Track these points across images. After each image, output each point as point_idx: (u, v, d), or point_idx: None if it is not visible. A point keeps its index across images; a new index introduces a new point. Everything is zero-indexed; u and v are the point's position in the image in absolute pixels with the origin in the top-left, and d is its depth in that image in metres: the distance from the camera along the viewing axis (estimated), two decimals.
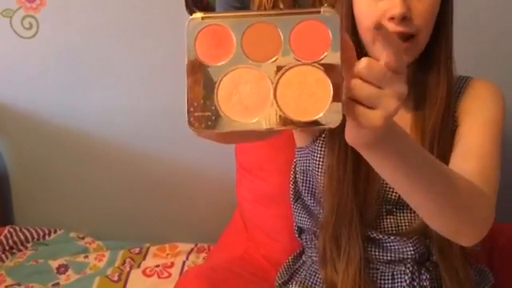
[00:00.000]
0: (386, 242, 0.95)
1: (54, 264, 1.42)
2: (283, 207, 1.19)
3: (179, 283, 1.13)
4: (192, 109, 0.54)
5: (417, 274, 0.95)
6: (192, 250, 1.50)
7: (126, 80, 1.60)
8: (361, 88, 0.53)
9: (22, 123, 1.64)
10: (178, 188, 1.68)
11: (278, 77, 0.54)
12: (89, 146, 1.65)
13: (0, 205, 1.68)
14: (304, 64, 0.54)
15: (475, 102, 0.93)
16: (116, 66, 1.59)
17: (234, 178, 1.38)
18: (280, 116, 0.53)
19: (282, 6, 1.26)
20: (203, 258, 1.46)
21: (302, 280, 1.06)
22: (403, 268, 0.96)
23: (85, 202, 1.70)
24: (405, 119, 0.92)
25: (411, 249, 0.94)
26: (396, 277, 0.96)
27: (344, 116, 0.53)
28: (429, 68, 0.91)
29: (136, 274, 1.36)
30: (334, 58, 0.54)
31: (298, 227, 1.09)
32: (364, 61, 0.53)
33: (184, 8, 1.32)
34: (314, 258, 1.04)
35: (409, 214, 0.96)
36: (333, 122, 0.53)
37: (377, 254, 0.96)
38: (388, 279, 0.97)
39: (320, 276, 1.01)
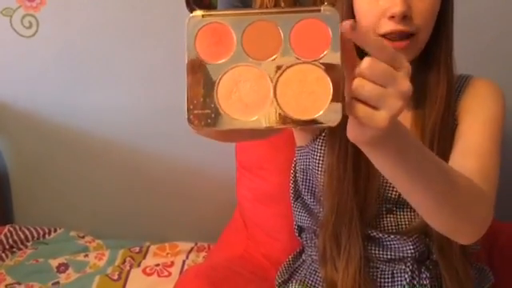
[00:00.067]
0: (386, 241, 0.95)
1: (54, 263, 1.42)
2: (283, 206, 1.19)
3: (179, 282, 1.13)
4: (192, 106, 0.54)
5: (417, 272, 0.95)
6: (192, 249, 1.50)
7: (126, 79, 1.60)
8: (364, 87, 0.53)
9: (22, 122, 1.64)
10: (178, 187, 1.68)
11: (277, 75, 0.54)
12: (89, 145, 1.65)
13: (0, 204, 1.68)
14: (304, 62, 0.54)
15: (475, 101, 0.94)
16: (116, 65, 1.59)
17: (234, 176, 1.38)
18: (280, 114, 0.53)
19: (283, 4, 1.26)
20: (203, 257, 1.46)
21: (301, 279, 1.06)
22: (403, 267, 0.96)
23: (85, 201, 1.70)
24: (405, 118, 0.92)
25: (411, 247, 0.94)
26: (396, 275, 0.96)
27: (344, 114, 0.53)
28: (429, 67, 0.91)
29: (136, 273, 1.36)
30: (334, 56, 0.54)
31: (298, 226, 1.09)
32: (367, 60, 0.53)
33: (184, 6, 1.32)
34: (314, 257, 1.04)
35: (409, 213, 0.96)
36: (332, 120, 0.53)
37: (377, 252, 0.96)
38: (388, 278, 0.97)
39: (320, 275, 1.01)
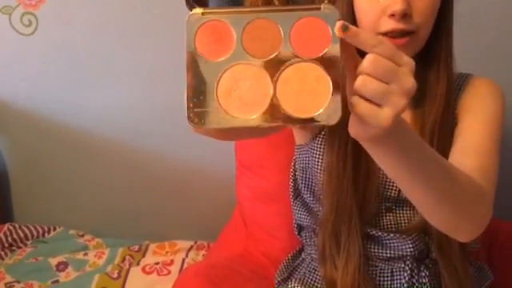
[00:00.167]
0: (385, 239, 0.95)
1: (54, 261, 1.42)
2: (283, 205, 1.19)
3: (178, 280, 1.13)
4: (191, 104, 0.54)
5: (416, 271, 0.95)
6: (191, 247, 1.50)
7: (126, 77, 1.60)
8: (367, 84, 0.53)
9: (22, 120, 1.64)
10: (178, 186, 1.67)
11: (277, 73, 0.54)
12: (88, 144, 1.65)
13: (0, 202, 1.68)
14: (304, 61, 0.54)
15: (475, 99, 0.94)
16: (116, 64, 1.59)
17: (234, 175, 1.38)
18: (279, 113, 0.53)
19: (277, 2, 1.25)
20: (203, 256, 1.46)
21: (301, 277, 1.06)
22: (402, 265, 0.96)
23: (84, 200, 1.70)
24: (404, 116, 0.91)
25: (410, 246, 0.94)
26: (395, 274, 0.96)
27: (343, 113, 0.53)
28: (429, 65, 0.91)
29: (135, 272, 1.36)
30: (333, 54, 0.54)
31: (298, 224, 1.09)
32: (370, 57, 0.53)
33: (184, 5, 1.32)
34: (314, 256, 1.04)
35: (408, 212, 0.96)
36: (332, 118, 0.53)
37: (376, 251, 0.96)
38: (387, 276, 0.97)
39: (319, 273, 1.01)
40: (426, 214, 0.73)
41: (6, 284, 1.34)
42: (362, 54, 0.54)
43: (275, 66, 0.54)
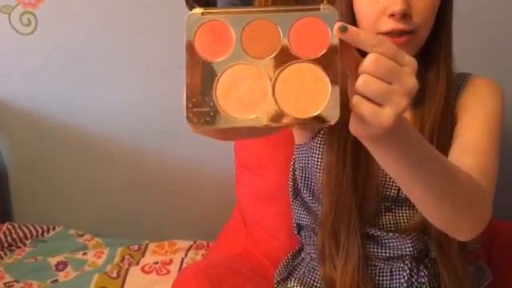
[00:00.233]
0: (384, 239, 0.95)
1: (53, 261, 1.42)
2: (282, 204, 1.19)
3: (178, 280, 1.13)
4: (190, 104, 0.54)
5: (415, 270, 0.95)
6: (191, 246, 1.50)
7: (126, 77, 1.60)
8: (369, 84, 0.53)
9: (21, 120, 1.64)
10: (178, 185, 1.67)
11: (276, 73, 0.54)
12: (88, 143, 1.65)
13: None
14: (303, 61, 0.54)
15: (475, 99, 0.94)
16: (115, 63, 1.59)
17: (234, 175, 1.38)
18: (278, 113, 0.53)
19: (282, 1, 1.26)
20: (202, 255, 1.46)
21: (300, 277, 1.06)
22: (402, 265, 0.96)
23: (84, 199, 1.70)
24: (404, 116, 0.92)
25: (410, 245, 0.94)
26: (394, 273, 0.96)
27: (342, 113, 0.53)
28: (428, 65, 0.91)
29: (135, 271, 1.36)
30: (332, 55, 0.54)
31: (297, 224, 1.09)
32: (371, 56, 0.53)
33: (184, 5, 1.32)
34: (313, 255, 1.04)
35: (407, 211, 0.96)
36: (331, 119, 0.53)
37: (375, 250, 0.96)
38: (386, 276, 0.97)
39: (319, 273, 1.01)
40: (426, 213, 0.73)
41: (5, 284, 1.34)
42: (364, 53, 0.54)
43: (274, 67, 0.54)
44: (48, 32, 1.57)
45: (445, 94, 0.91)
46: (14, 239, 1.52)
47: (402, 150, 0.60)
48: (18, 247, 1.51)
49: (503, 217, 1.21)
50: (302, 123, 0.54)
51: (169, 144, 1.63)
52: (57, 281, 1.36)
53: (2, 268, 1.39)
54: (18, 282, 1.35)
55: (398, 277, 0.96)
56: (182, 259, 1.42)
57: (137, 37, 1.56)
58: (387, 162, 0.63)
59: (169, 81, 1.49)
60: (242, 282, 1.13)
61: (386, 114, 0.53)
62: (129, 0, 1.54)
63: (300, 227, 1.09)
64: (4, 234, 1.51)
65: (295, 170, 1.08)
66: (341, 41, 0.54)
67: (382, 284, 0.97)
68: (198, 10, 0.56)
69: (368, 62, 0.53)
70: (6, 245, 1.50)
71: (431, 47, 0.90)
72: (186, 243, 1.52)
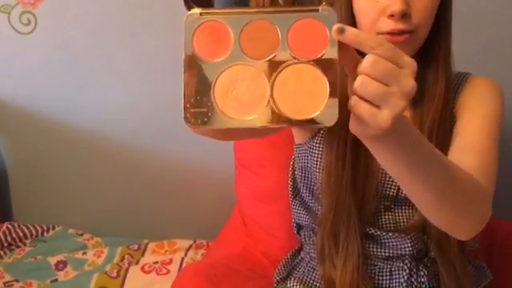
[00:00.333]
0: (384, 239, 0.95)
1: (53, 260, 1.42)
2: (282, 204, 1.19)
3: (177, 279, 1.13)
4: (188, 105, 0.54)
5: (415, 270, 0.95)
6: (190, 246, 1.50)
7: (126, 76, 1.60)
8: (367, 86, 0.53)
9: (21, 120, 1.64)
10: (177, 185, 1.68)
11: (275, 74, 0.54)
12: (88, 143, 1.65)
13: None
14: (301, 62, 0.54)
15: (474, 98, 0.94)
16: (115, 62, 1.59)
17: (233, 174, 1.38)
18: (276, 114, 0.53)
19: (281, 2, 1.26)
20: (202, 255, 1.46)
21: (300, 276, 1.06)
22: (401, 264, 0.96)
23: (84, 199, 1.70)
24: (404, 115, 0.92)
25: (409, 245, 0.94)
26: (394, 273, 0.96)
27: (341, 114, 0.53)
28: (427, 65, 0.91)
29: (134, 271, 1.36)
30: (331, 56, 0.54)
31: (297, 224, 1.09)
32: (369, 57, 0.53)
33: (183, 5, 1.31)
34: (313, 255, 1.04)
35: (407, 211, 0.96)
36: (329, 120, 0.53)
37: (375, 250, 0.96)
38: (386, 275, 0.97)
39: (318, 272, 1.01)
40: (426, 212, 0.73)
41: (4, 283, 1.34)
42: (363, 53, 0.54)
43: (273, 67, 0.54)
44: (47, 32, 1.57)
45: (444, 94, 0.91)
46: (13, 239, 1.52)
47: (401, 149, 0.60)
48: (18, 247, 1.51)
49: (503, 216, 1.21)
50: (300, 124, 0.54)
51: (169, 144, 1.63)
52: (56, 280, 1.36)
53: (2, 267, 1.39)
54: (17, 281, 1.35)
55: (397, 276, 0.96)
56: (182, 259, 1.42)
57: (137, 37, 1.56)
58: (386, 160, 0.63)
59: (169, 81, 1.49)
60: (242, 282, 1.13)
61: (384, 116, 0.53)
62: (129, 0, 1.54)
63: (299, 227, 1.09)
64: (4, 233, 1.51)
65: (295, 170, 1.08)
66: (339, 42, 0.54)
67: (382, 283, 0.97)
68: (197, 11, 0.56)
69: (366, 64, 0.53)
70: (5, 244, 1.50)
71: (430, 47, 0.90)
72: (186, 243, 1.52)
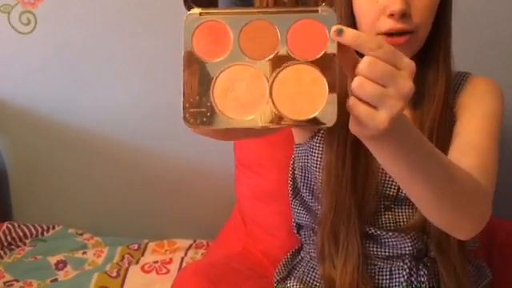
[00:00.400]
0: (384, 238, 0.95)
1: (53, 260, 1.42)
2: (282, 203, 1.19)
3: (177, 279, 1.13)
4: (188, 105, 0.54)
5: (415, 269, 0.95)
6: (190, 246, 1.50)
7: (126, 76, 1.60)
8: (364, 87, 0.53)
9: (21, 119, 1.64)
10: (177, 184, 1.68)
11: (274, 75, 0.54)
12: (87, 143, 1.65)
13: None
14: (300, 63, 0.54)
15: (474, 98, 0.93)
16: (115, 62, 1.59)
17: (233, 174, 1.38)
18: (275, 114, 0.53)
19: (286, 0, 1.25)
20: (202, 254, 1.46)
21: (300, 276, 1.06)
22: (401, 264, 0.96)
23: (84, 198, 1.70)
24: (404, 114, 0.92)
25: (409, 245, 0.94)
26: (394, 273, 0.96)
27: (340, 114, 0.53)
28: (427, 65, 0.91)
29: (134, 270, 1.36)
30: (330, 57, 0.54)
31: (297, 223, 1.09)
32: (366, 59, 0.53)
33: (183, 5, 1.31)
34: (313, 254, 1.04)
35: (407, 210, 0.96)
36: (328, 121, 0.53)
37: (375, 249, 0.96)
38: (386, 275, 0.97)
39: (318, 272, 1.01)
40: (426, 212, 0.73)
41: (4, 283, 1.34)
42: (363, 54, 0.54)
43: (272, 68, 0.54)
44: (47, 31, 1.57)
45: (444, 94, 0.91)
46: (13, 238, 1.52)
47: (401, 148, 0.60)
48: (18, 246, 1.51)
49: (503, 216, 1.21)
50: (299, 125, 0.54)
51: (169, 143, 1.63)
52: (56, 280, 1.36)
53: (2, 267, 1.39)
54: (17, 281, 1.35)
55: (397, 276, 0.96)
56: (182, 258, 1.42)
57: (137, 37, 1.56)
58: (386, 160, 0.63)
59: (168, 81, 1.49)
60: (242, 281, 1.14)
61: (381, 117, 0.53)
62: (129, 0, 1.54)
63: (299, 226, 1.09)
64: (4, 233, 1.51)
65: (295, 170, 1.08)
66: (339, 42, 0.54)
67: (382, 283, 0.97)
68: (196, 11, 0.56)
69: (363, 65, 0.53)
70: (5, 244, 1.50)
71: (430, 47, 0.90)
72: (186, 242, 1.52)
